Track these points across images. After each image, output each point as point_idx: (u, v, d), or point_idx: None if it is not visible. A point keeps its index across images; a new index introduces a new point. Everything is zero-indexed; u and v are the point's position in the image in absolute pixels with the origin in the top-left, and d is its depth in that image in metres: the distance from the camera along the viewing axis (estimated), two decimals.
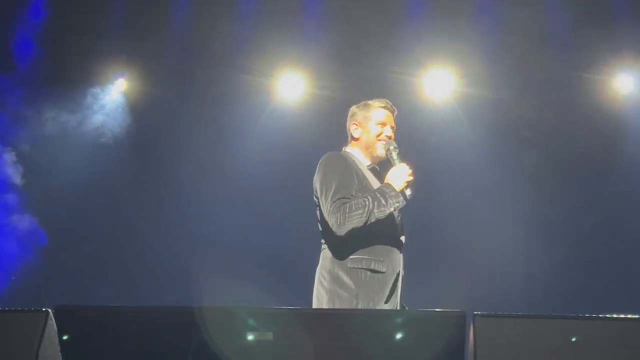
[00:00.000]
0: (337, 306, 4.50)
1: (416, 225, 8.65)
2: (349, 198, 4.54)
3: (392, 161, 4.77)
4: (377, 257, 4.58)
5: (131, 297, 8.44)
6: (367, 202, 4.49)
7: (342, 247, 4.60)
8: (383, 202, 4.50)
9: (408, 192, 4.62)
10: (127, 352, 2.97)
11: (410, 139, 8.81)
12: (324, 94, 8.88)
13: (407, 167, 4.67)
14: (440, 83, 8.77)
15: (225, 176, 8.90)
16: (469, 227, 8.76)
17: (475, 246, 8.71)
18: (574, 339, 3.11)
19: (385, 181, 4.65)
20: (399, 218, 4.78)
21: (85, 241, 8.99)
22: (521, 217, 8.79)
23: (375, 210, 4.48)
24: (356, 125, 4.95)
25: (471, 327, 3.09)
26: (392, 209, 4.55)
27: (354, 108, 5.03)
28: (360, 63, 8.59)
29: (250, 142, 8.96)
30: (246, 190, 8.85)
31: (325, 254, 4.70)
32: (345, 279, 4.55)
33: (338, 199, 4.54)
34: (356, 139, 4.94)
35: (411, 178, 4.63)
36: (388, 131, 4.90)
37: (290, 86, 8.98)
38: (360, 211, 4.47)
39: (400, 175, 4.63)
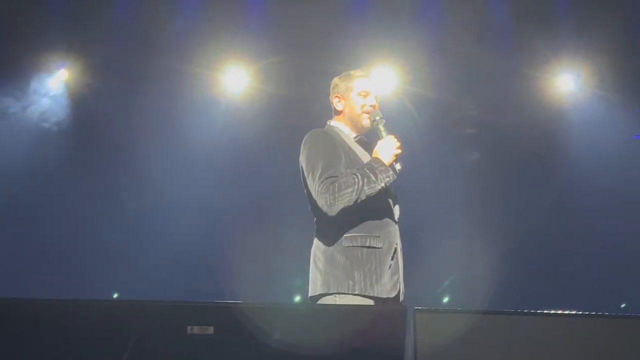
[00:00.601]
0: (331, 287, 4.39)
1: None
2: (337, 176, 4.42)
3: (378, 133, 4.64)
4: (372, 233, 4.47)
5: (70, 289, 8.32)
6: (356, 180, 4.37)
7: (336, 226, 4.48)
8: (373, 178, 4.39)
9: (398, 166, 4.55)
10: (61, 347, 2.92)
11: None
12: (266, 89, 8.83)
13: (395, 140, 4.56)
14: (384, 80, 8.77)
15: (169, 169, 8.82)
16: (412, 224, 8.79)
17: (418, 242, 8.75)
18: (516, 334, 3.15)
19: (374, 155, 4.53)
20: (393, 189, 4.69)
21: (25, 229, 8.84)
22: (464, 214, 8.87)
23: (366, 187, 4.37)
24: (338, 97, 4.80)
25: (412, 321, 3.10)
26: (382, 185, 4.43)
27: (335, 80, 4.88)
28: (303, 59, 8.56)
29: (194, 135, 8.88)
30: (189, 183, 8.78)
31: (319, 234, 4.60)
32: (341, 258, 4.43)
33: (326, 178, 4.42)
34: (340, 112, 4.80)
35: (400, 151, 4.53)
36: (372, 100, 4.74)
37: (234, 80, 8.92)
38: (350, 189, 4.36)
39: (388, 149, 4.52)
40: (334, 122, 4.82)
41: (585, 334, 3.14)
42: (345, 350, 3.01)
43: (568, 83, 8.91)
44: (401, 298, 4.50)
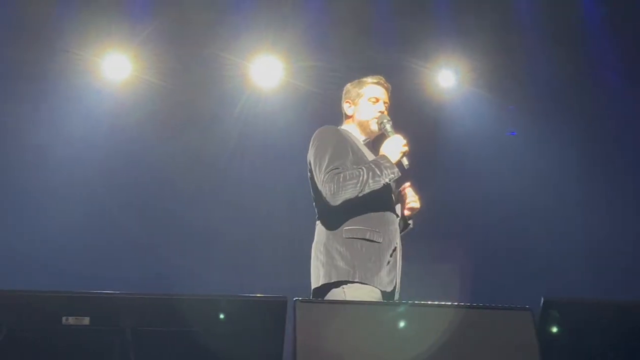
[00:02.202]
0: (333, 278, 4.45)
1: (244, 212, 8.74)
2: (343, 169, 4.52)
3: (386, 133, 4.76)
4: (373, 228, 4.53)
5: None
6: (361, 173, 4.47)
7: (336, 218, 4.56)
8: (378, 172, 4.49)
9: (405, 161, 4.66)
10: None
11: (236, 125, 8.81)
12: (147, 78, 8.67)
13: (402, 138, 4.67)
14: (268, 72, 8.74)
15: (46, 157, 8.57)
16: (289, 215, 8.82)
17: (296, 232, 8.78)
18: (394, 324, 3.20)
19: (381, 153, 4.64)
20: (397, 189, 4.79)
21: None
22: None
23: (370, 181, 4.46)
24: (349, 102, 4.96)
25: (292, 312, 3.12)
26: (387, 180, 4.54)
27: (347, 86, 5.04)
28: (188, 48, 8.46)
29: (73, 122, 8.64)
30: (68, 170, 8.53)
31: (320, 228, 4.68)
32: (341, 249, 4.49)
33: (331, 169, 4.52)
34: (349, 117, 4.94)
35: (406, 148, 4.65)
36: (380, 107, 4.88)
37: (115, 68, 8.70)
38: (354, 181, 4.44)
39: (395, 147, 4.64)
40: (344, 126, 4.96)
41: (456, 323, 3.23)
42: (224, 339, 3.01)
43: (448, 79, 9.06)
44: (396, 296, 4.58)
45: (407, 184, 4.87)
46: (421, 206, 4.86)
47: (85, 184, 8.54)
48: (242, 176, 8.76)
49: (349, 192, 4.45)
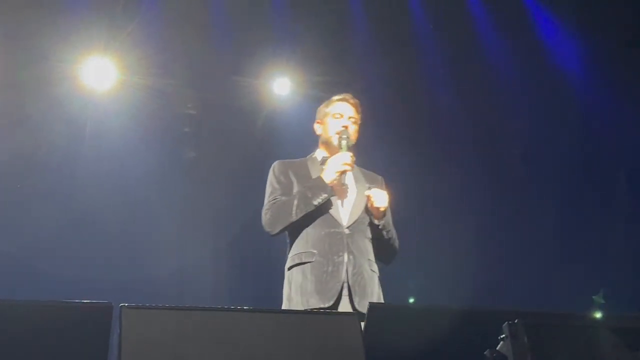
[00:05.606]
0: None
1: (77, 216, 8.53)
2: (280, 198, 4.64)
3: (340, 150, 4.74)
4: (307, 249, 4.57)
5: None
6: (293, 199, 4.57)
7: (287, 251, 4.68)
8: (309, 195, 4.55)
9: (344, 179, 4.66)
10: None
11: (69, 127, 8.60)
12: None
13: (347, 156, 4.65)
14: (101, 73, 8.53)
15: None
16: (122, 217, 8.70)
17: (126, 236, 8.68)
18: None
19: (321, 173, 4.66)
20: (354, 198, 4.73)
21: None
22: (174, 209, 8.91)
23: (302, 205, 4.54)
24: (318, 123, 4.96)
25: (118, 319, 3.06)
26: (318, 202, 4.55)
27: (319, 107, 5.02)
28: (16, 45, 8.18)
29: None
30: None
31: None
32: (285, 283, 4.61)
33: (269, 201, 4.67)
34: (319, 136, 4.95)
35: (346, 167, 4.63)
36: (344, 122, 4.83)
37: None
38: (286, 207, 4.56)
39: (333, 165, 4.64)
40: (317, 151, 4.96)
41: (284, 328, 3.26)
42: (46, 347, 2.94)
43: (283, 87, 9.15)
44: (355, 303, 4.46)
45: (372, 190, 4.77)
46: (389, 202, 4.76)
47: None
48: (75, 180, 8.57)
49: (282, 220, 4.58)
